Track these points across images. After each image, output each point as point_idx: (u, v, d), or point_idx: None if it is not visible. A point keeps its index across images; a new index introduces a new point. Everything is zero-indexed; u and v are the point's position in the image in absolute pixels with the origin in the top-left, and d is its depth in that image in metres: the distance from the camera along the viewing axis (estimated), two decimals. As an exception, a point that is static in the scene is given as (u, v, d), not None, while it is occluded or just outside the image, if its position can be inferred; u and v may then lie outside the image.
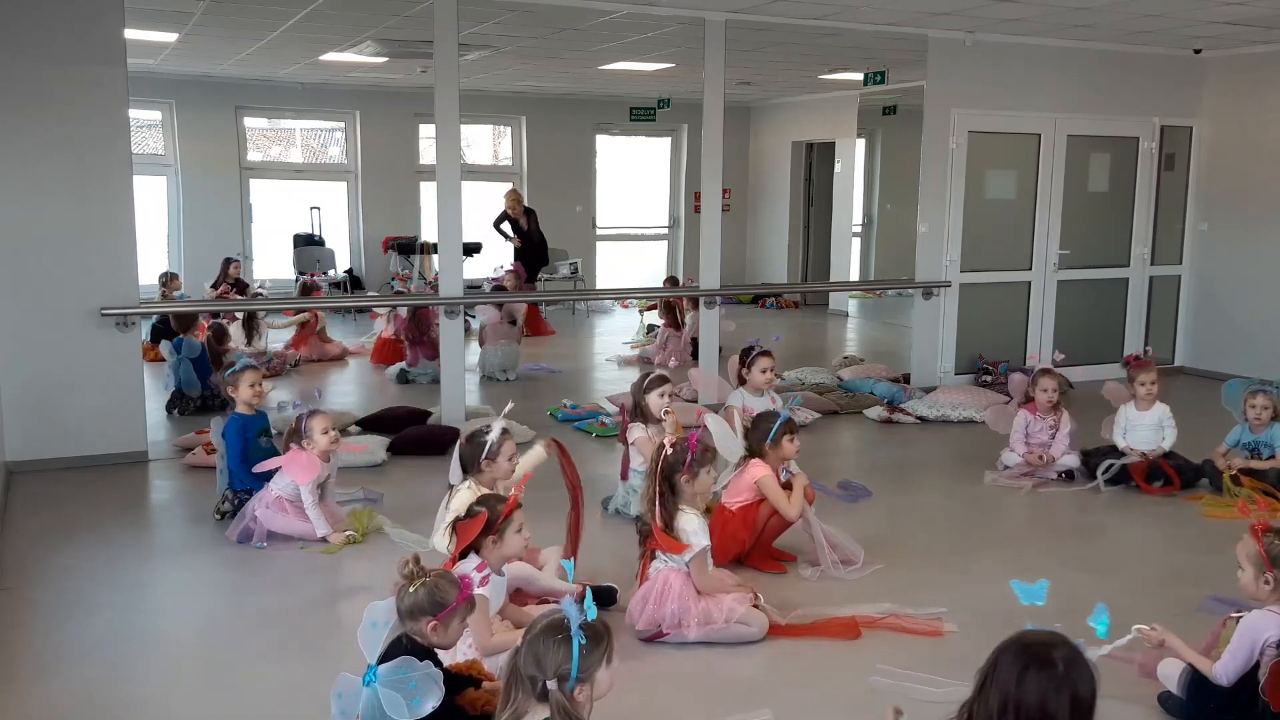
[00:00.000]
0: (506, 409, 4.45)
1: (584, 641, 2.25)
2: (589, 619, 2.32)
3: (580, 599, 2.31)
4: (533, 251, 11.66)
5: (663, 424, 5.10)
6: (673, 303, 9.79)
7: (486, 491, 3.95)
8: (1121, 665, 3.43)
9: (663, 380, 5.28)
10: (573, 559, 2.92)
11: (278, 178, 12.83)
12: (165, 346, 7.64)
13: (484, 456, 4.19)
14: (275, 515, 4.78)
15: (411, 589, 2.79)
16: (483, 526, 3.39)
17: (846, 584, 4.38)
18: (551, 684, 2.20)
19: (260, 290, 10.43)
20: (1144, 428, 5.90)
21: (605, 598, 3.96)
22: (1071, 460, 5.97)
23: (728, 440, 4.64)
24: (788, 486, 4.53)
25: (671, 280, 11.51)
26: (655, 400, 5.19)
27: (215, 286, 9.91)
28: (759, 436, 4.58)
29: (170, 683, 3.54)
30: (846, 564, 4.51)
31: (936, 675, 3.49)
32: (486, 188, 13.40)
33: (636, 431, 5.14)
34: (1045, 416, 6.02)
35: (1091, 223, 9.02)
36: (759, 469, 4.49)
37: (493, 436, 4.20)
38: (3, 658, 3.65)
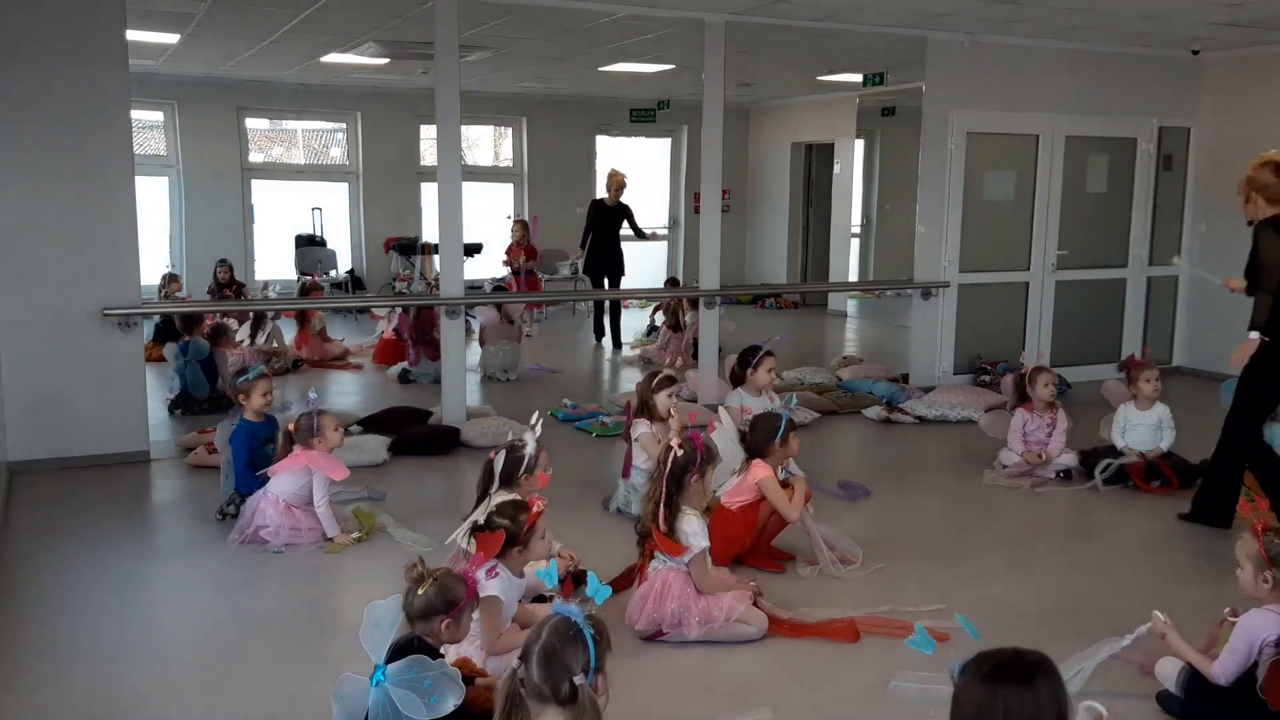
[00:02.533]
0: (536, 422, 4.42)
1: (593, 632, 2.29)
2: (597, 604, 2.40)
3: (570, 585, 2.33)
4: (607, 253, 10.49)
5: (667, 423, 5.13)
6: (674, 305, 9.80)
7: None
8: (1121, 664, 3.45)
9: (671, 380, 5.32)
10: (553, 561, 2.93)
11: (279, 178, 12.85)
12: (170, 349, 7.64)
13: (522, 471, 4.15)
14: (284, 528, 4.75)
15: (420, 591, 2.82)
16: (505, 540, 3.39)
17: (846, 583, 4.40)
18: (579, 679, 2.23)
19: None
20: (1143, 428, 5.91)
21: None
22: (1069, 459, 5.99)
23: (732, 442, 4.66)
24: (785, 486, 4.55)
25: (672, 281, 11.50)
26: (663, 400, 5.22)
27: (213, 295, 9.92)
28: (763, 436, 4.58)
29: (171, 683, 3.55)
30: (845, 563, 4.53)
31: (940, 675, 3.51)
32: (487, 188, 13.44)
33: (640, 429, 5.17)
34: (1042, 415, 6.05)
35: (1090, 223, 9.04)
36: (761, 470, 4.50)
37: (530, 450, 4.17)
38: (2, 658, 3.66)
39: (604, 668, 2.31)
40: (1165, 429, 5.90)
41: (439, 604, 2.81)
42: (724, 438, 4.80)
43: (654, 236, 10.65)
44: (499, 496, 3.95)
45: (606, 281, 10.45)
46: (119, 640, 3.83)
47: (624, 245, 10.53)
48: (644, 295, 11.67)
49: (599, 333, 10.72)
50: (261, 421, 5.19)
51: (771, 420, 4.62)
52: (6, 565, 4.55)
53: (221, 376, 7.57)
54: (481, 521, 3.49)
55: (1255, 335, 4.69)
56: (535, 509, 3.51)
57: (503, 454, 4.14)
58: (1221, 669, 3.13)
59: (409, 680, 2.56)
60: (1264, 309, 4.69)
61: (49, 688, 3.47)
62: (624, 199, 10.44)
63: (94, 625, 3.94)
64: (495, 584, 3.35)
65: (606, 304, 10.68)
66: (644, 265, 13.28)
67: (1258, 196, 4.76)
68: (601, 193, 10.72)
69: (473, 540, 3.47)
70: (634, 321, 11.61)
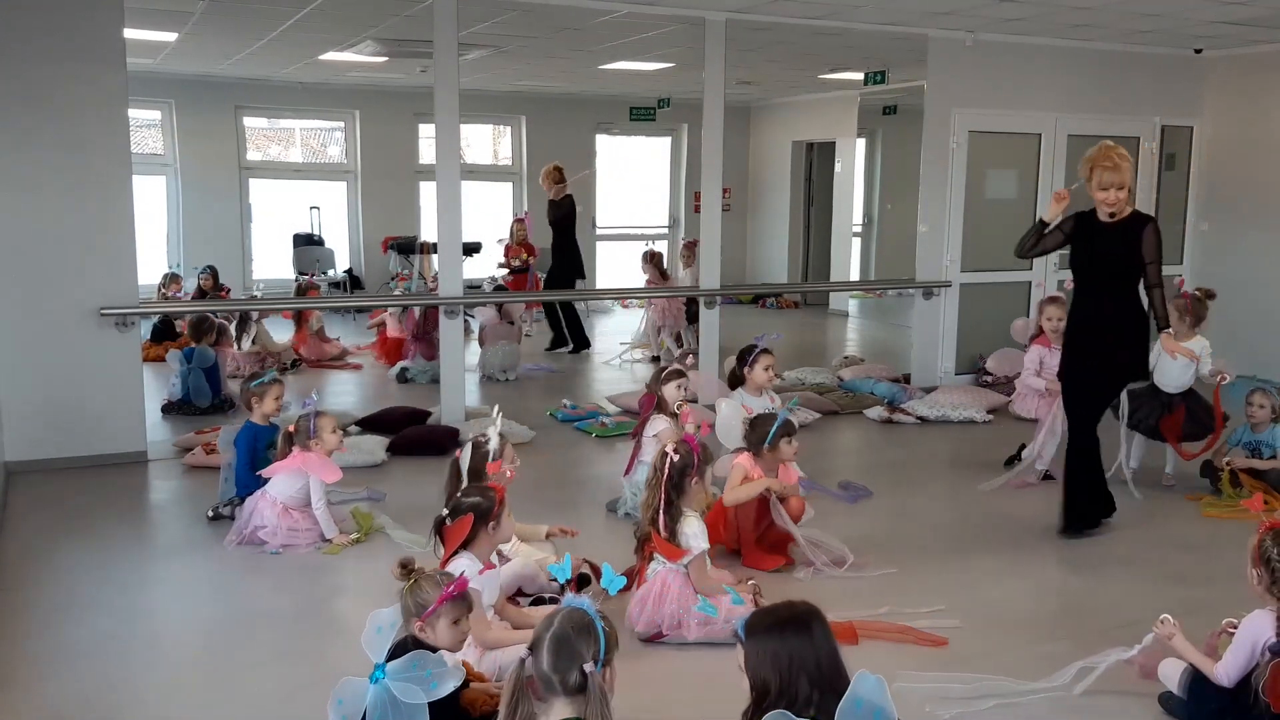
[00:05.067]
0: (496, 414, 4.43)
1: (604, 625, 2.30)
2: (611, 595, 2.51)
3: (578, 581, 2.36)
4: (564, 256, 10.04)
5: (676, 420, 5.15)
6: (656, 258, 9.87)
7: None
8: (1122, 665, 3.43)
9: (680, 374, 5.35)
10: (567, 556, 2.90)
11: (277, 177, 12.82)
12: (173, 355, 7.60)
13: (490, 462, 4.18)
14: (281, 529, 4.73)
15: (407, 592, 2.82)
16: (476, 520, 3.40)
17: (847, 585, 4.37)
18: (589, 666, 2.23)
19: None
20: (1175, 365, 5.62)
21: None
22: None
23: (734, 426, 4.67)
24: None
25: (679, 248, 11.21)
26: (671, 391, 5.24)
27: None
28: (757, 438, 4.60)
29: (169, 683, 3.54)
30: (837, 564, 4.50)
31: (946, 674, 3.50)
32: (486, 187, 13.41)
33: (660, 424, 5.14)
34: (1058, 347, 5.93)
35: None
36: (739, 457, 4.56)
37: (492, 445, 4.19)
38: (2, 658, 3.64)
39: (612, 662, 2.33)
40: (1205, 361, 5.62)
41: (412, 606, 2.81)
42: (727, 421, 4.84)
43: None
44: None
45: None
46: (117, 640, 3.82)
47: (619, 246, 10.42)
48: (643, 295, 11.63)
49: (564, 341, 10.26)
50: (267, 426, 5.18)
51: (767, 423, 4.64)
52: (5, 565, 4.53)
53: (223, 381, 7.56)
54: (446, 513, 3.49)
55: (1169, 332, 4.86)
56: (500, 489, 3.54)
57: (468, 450, 4.16)
58: (1225, 670, 3.12)
59: (410, 674, 2.56)
60: (1163, 305, 4.78)
61: (48, 687, 3.45)
62: (571, 193, 10.03)
63: (92, 625, 3.92)
64: (475, 578, 3.33)
65: (560, 310, 10.28)
66: (639, 265, 13.28)
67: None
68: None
69: (438, 540, 3.47)
70: (634, 321, 11.59)
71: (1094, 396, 4.99)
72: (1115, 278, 4.78)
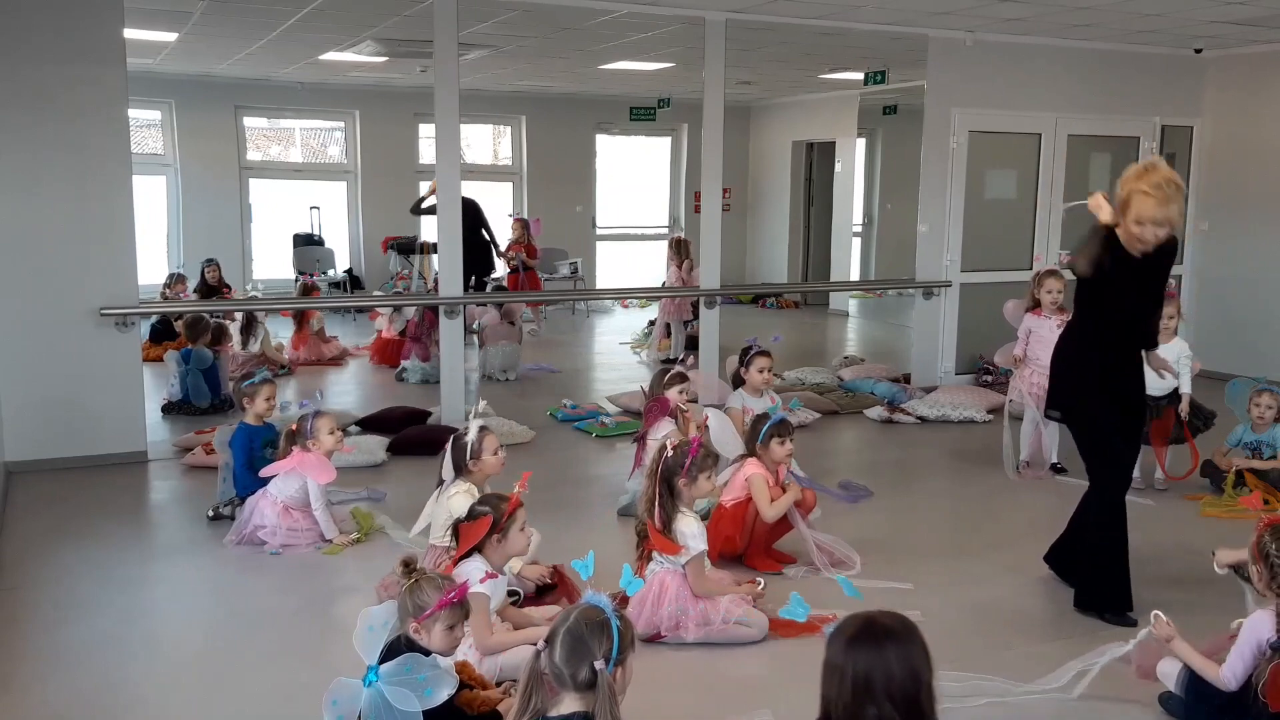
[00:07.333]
0: (480, 408, 4.47)
1: (619, 623, 2.32)
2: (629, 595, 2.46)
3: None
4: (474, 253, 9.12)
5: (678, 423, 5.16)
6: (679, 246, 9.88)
7: (484, 491, 3.97)
8: (1120, 665, 3.42)
9: (682, 378, 5.37)
10: (590, 554, 2.90)
11: (277, 177, 12.83)
12: (172, 356, 7.60)
13: (468, 458, 4.22)
14: (281, 528, 4.74)
15: (406, 592, 2.83)
16: (488, 528, 3.40)
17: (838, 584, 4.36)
18: (599, 664, 2.25)
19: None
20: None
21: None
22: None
23: (726, 437, 4.66)
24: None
25: (679, 243, 11.23)
26: (674, 395, 5.28)
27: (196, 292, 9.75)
28: (752, 437, 4.63)
29: (169, 683, 3.54)
30: (838, 566, 4.49)
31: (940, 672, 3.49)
32: (486, 187, 13.41)
33: (666, 427, 5.15)
34: (1052, 317, 5.92)
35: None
36: (751, 467, 4.54)
37: (471, 437, 4.23)
38: (2, 658, 3.64)
39: (626, 661, 2.34)
40: (1183, 367, 5.57)
41: (410, 607, 2.81)
42: (721, 432, 4.82)
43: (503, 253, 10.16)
44: (462, 488, 4.10)
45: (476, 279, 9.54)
46: (117, 640, 3.82)
47: (619, 246, 10.37)
48: (644, 295, 11.65)
49: None
50: (261, 426, 5.18)
51: (761, 422, 4.66)
52: (5, 566, 4.53)
53: (223, 381, 7.56)
54: (463, 516, 3.52)
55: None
56: (514, 498, 3.53)
57: (450, 446, 4.24)
58: (1231, 672, 3.10)
59: (403, 678, 2.56)
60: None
61: (47, 687, 3.45)
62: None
63: (92, 625, 3.92)
64: (477, 584, 3.34)
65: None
66: (643, 265, 13.30)
67: None
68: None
69: (454, 537, 3.50)
70: (634, 321, 11.60)
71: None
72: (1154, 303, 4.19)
